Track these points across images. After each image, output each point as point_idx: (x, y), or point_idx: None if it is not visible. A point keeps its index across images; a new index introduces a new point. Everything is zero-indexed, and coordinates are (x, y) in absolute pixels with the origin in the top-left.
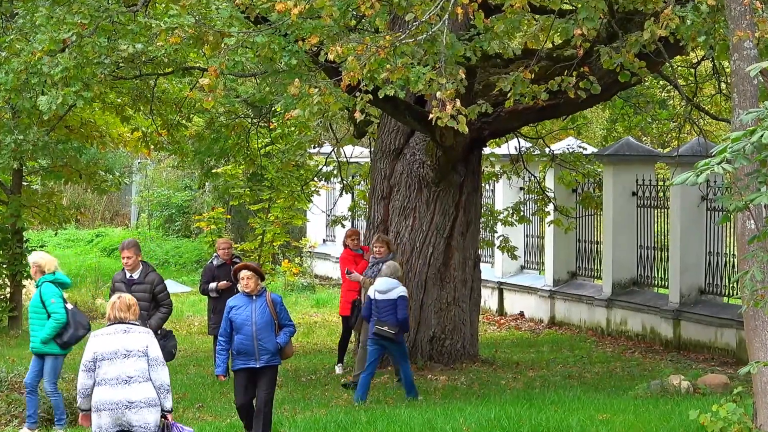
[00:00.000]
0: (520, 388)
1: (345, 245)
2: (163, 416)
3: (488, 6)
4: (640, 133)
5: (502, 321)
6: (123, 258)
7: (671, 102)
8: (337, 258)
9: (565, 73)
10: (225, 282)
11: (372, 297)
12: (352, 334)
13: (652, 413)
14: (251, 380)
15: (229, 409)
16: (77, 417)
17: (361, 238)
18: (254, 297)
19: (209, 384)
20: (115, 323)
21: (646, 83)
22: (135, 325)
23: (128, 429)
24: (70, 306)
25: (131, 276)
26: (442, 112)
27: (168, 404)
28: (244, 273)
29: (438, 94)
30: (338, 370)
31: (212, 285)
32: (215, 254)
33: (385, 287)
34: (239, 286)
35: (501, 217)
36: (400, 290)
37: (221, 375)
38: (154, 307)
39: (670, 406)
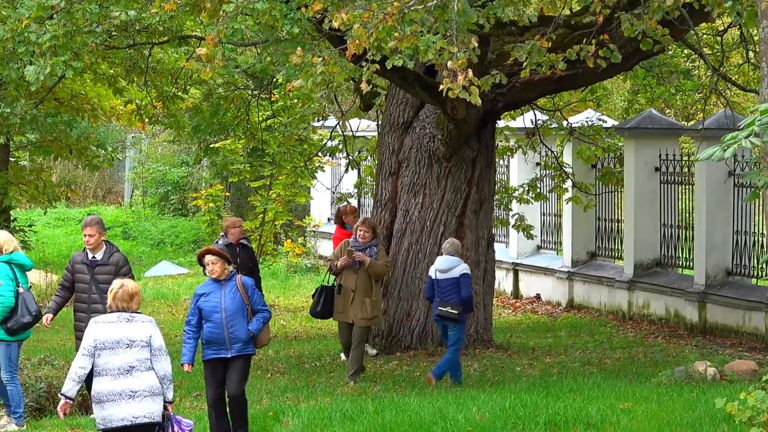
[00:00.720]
0: (537, 375)
1: (340, 224)
2: (165, 407)
3: None
4: (664, 105)
5: (517, 304)
6: (85, 236)
7: (696, 72)
8: None
9: (584, 42)
10: (236, 265)
11: (433, 277)
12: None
13: (676, 401)
14: (223, 371)
15: None
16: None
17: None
18: (223, 282)
19: None
20: (116, 311)
21: (670, 52)
22: (138, 314)
23: (132, 420)
24: (22, 290)
25: (94, 257)
26: (454, 83)
27: (170, 395)
28: (208, 258)
29: (449, 63)
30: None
31: None
32: (222, 233)
33: (447, 266)
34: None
35: (516, 194)
36: (463, 268)
37: (187, 364)
38: None
39: (695, 394)
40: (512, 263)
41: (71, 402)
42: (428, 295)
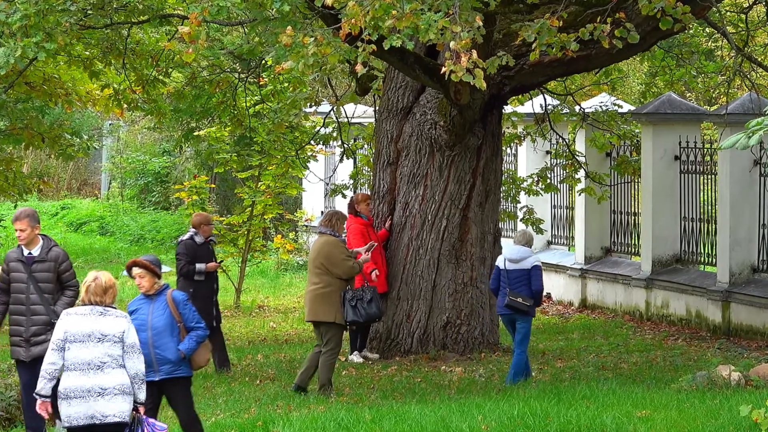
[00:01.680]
0: (547, 381)
1: (354, 213)
2: (135, 409)
3: None
4: (684, 89)
5: None
6: (16, 231)
7: (719, 52)
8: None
9: (598, 20)
10: (214, 263)
11: (502, 267)
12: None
13: (697, 409)
14: (158, 395)
15: (214, 407)
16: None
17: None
18: (153, 297)
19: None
20: (89, 305)
21: (691, 31)
22: (112, 308)
23: (101, 420)
24: None
25: (30, 253)
26: (457, 65)
27: (141, 395)
28: (135, 271)
29: (452, 44)
30: (355, 358)
31: (200, 266)
32: (194, 230)
33: (518, 256)
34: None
35: (524, 185)
36: (534, 259)
37: None
38: (59, 289)
39: (718, 400)
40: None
41: (48, 400)
42: (493, 286)
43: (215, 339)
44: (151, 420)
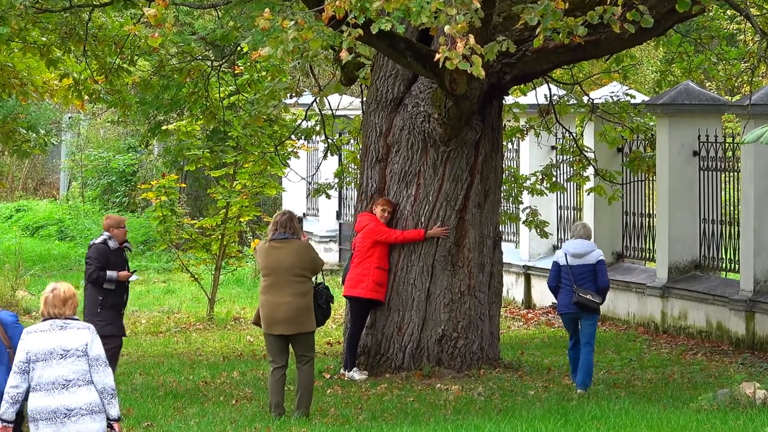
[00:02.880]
0: (553, 400)
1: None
2: (110, 426)
3: None
4: (703, 77)
5: (529, 315)
6: None
7: (741, 37)
8: (321, 237)
9: (608, 2)
10: (127, 272)
11: (563, 263)
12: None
13: (719, 430)
14: None
15: (185, 429)
16: None
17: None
18: None
19: (160, 397)
20: (49, 319)
21: (710, 13)
22: (73, 320)
23: None
24: None
25: None
26: (452, 51)
27: (113, 411)
28: None
29: (446, 28)
30: (356, 375)
31: (111, 273)
32: (107, 234)
33: (583, 250)
34: None
35: (528, 184)
36: (599, 253)
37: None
38: None
39: (741, 421)
40: (523, 266)
41: (10, 425)
42: (553, 284)
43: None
44: None
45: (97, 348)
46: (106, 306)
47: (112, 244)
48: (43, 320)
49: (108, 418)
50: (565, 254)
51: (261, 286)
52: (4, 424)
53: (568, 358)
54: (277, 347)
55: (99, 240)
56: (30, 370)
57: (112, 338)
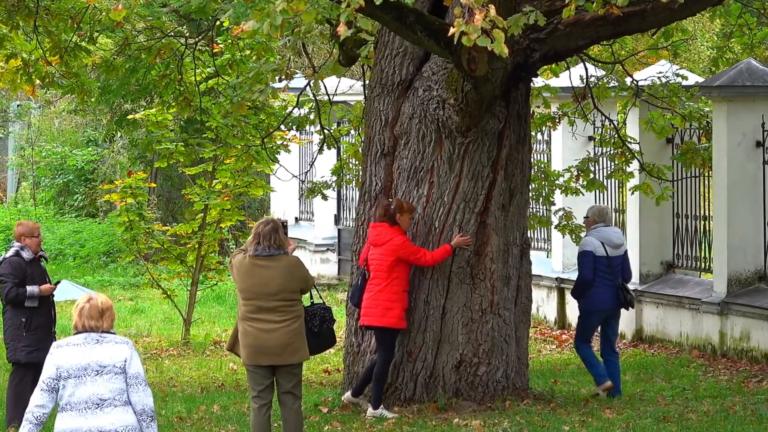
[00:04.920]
0: None
1: (392, 223)
2: None
3: None
4: None
5: (563, 336)
6: None
7: None
8: (317, 246)
9: None
10: (49, 285)
11: (600, 254)
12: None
13: None
14: None
15: None
16: None
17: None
18: None
19: None
20: (83, 332)
21: None
22: (110, 333)
23: None
24: None
25: None
26: (470, 25)
27: None
28: None
29: None
30: (388, 413)
31: (32, 288)
32: (18, 245)
33: (619, 240)
34: None
35: (561, 181)
36: (625, 243)
37: None
38: None
39: None
40: (556, 279)
41: None
42: (590, 277)
43: None
44: None
45: (137, 365)
46: (31, 328)
47: (26, 255)
48: (76, 333)
49: None
50: (603, 244)
51: (241, 311)
52: None
53: (586, 354)
54: (263, 381)
55: (10, 253)
56: (60, 388)
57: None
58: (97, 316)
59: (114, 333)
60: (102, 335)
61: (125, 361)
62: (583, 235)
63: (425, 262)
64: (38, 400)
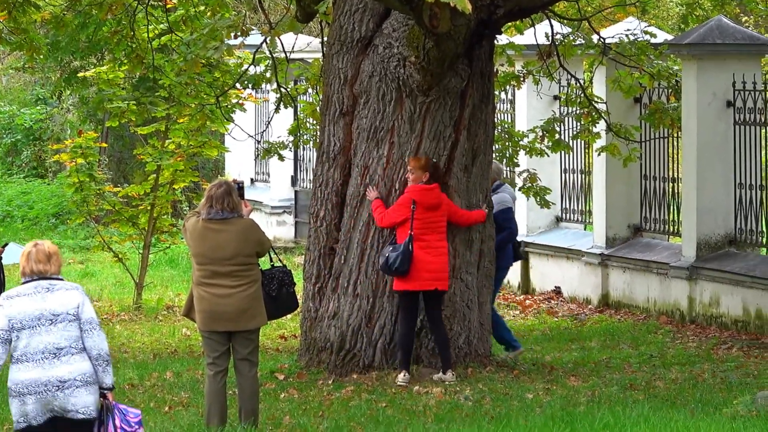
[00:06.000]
0: (557, 405)
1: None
2: (103, 395)
3: None
4: (739, 11)
5: (527, 302)
6: None
7: None
8: (273, 209)
9: None
10: None
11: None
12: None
13: None
14: None
15: None
16: None
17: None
18: None
19: None
20: (33, 279)
21: None
22: (60, 280)
23: (61, 415)
24: None
25: None
26: None
27: (108, 379)
28: None
29: None
30: (400, 379)
31: None
32: None
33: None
34: None
35: (525, 142)
36: None
37: None
38: None
39: None
40: (520, 243)
41: None
42: (517, 233)
43: None
44: (122, 406)
45: (89, 310)
46: None
47: None
48: (25, 281)
49: (101, 387)
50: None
51: (195, 276)
52: None
53: (498, 317)
54: (219, 347)
55: None
56: (13, 339)
57: None
58: (44, 259)
59: (62, 279)
60: (51, 282)
61: (78, 307)
62: (495, 194)
63: (467, 220)
64: None
